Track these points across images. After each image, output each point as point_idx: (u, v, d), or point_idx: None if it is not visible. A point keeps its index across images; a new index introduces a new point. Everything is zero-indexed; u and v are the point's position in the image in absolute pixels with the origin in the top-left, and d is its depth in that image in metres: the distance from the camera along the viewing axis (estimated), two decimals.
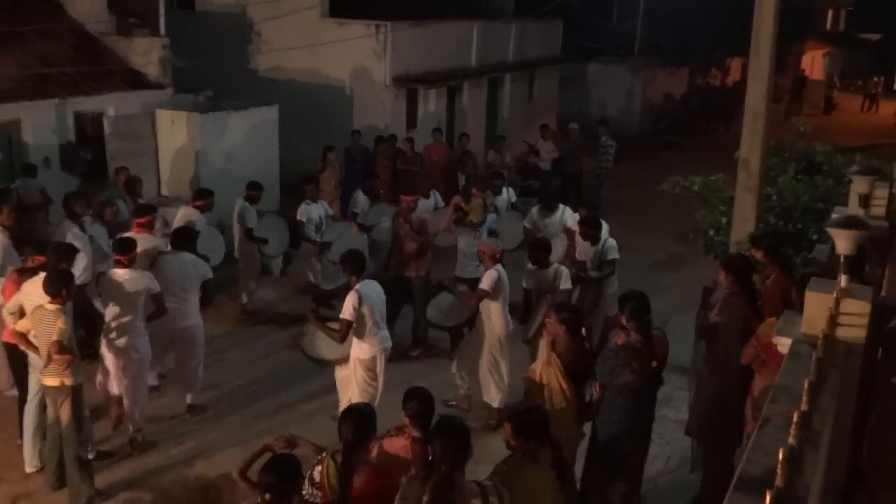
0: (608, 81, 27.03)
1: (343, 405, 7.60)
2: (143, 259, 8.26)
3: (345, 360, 7.74)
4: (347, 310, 7.43)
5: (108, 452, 7.83)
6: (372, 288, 7.65)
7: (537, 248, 8.67)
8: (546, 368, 6.06)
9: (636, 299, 5.94)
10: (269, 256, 11.48)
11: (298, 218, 11.01)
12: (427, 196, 11.80)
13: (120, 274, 7.63)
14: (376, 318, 7.60)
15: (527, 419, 4.95)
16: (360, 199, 11.64)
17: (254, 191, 11.09)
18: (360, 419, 4.79)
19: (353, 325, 7.43)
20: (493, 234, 10.44)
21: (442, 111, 19.14)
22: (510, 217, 11.06)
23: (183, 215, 10.24)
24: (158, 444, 8.04)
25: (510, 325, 8.43)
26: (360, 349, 7.64)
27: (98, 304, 8.29)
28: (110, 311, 7.62)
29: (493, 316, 8.27)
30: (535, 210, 10.76)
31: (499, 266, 8.24)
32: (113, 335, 7.62)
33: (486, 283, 8.20)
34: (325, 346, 7.69)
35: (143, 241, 8.48)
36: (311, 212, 11.03)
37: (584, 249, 9.43)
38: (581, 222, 9.53)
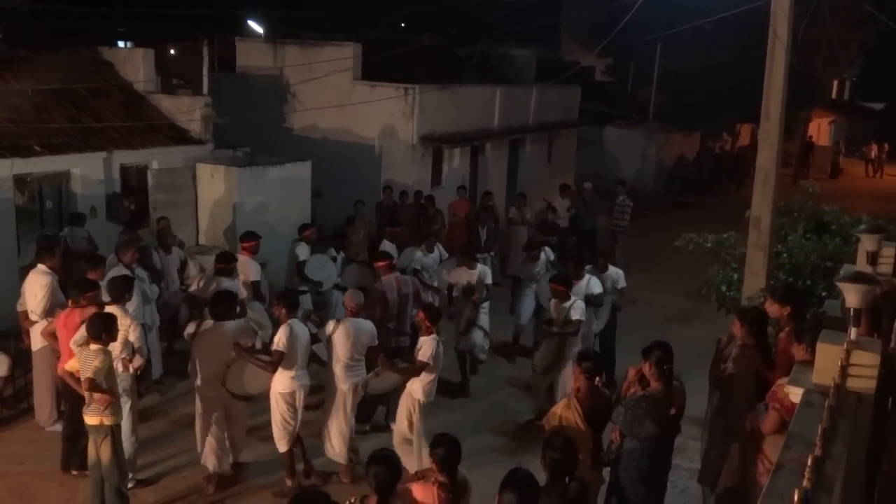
0: (623, 144, 27.23)
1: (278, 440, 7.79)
2: None
3: (266, 393, 7.76)
4: (280, 341, 7.51)
5: (146, 480, 7.85)
6: (301, 328, 7.77)
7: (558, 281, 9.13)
8: (566, 412, 6.05)
9: (661, 348, 5.95)
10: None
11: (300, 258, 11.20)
12: (430, 250, 11.93)
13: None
14: (301, 355, 7.71)
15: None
16: (387, 246, 11.75)
17: (307, 231, 11.38)
18: (390, 464, 4.78)
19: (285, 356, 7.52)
20: None
21: (465, 169, 19.33)
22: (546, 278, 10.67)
23: (242, 262, 10.14)
24: None
25: (432, 396, 8.01)
26: (280, 383, 7.69)
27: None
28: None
29: (420, 381, 7.85)
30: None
31: (436, 336, 7.81)
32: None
33: (425, 354, 7.71)
34: (249, 382, 7.67)
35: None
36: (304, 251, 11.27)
37: (555, 306, 9.27)
38: (552, 280, 9.51)
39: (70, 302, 7.96)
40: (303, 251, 11.22)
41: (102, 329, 6.79)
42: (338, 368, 7.92)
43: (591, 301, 9.85)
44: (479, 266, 10.84)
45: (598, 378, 6.36)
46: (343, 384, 7.94)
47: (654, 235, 17.99)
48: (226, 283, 9.21)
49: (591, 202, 17.28)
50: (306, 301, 10.68)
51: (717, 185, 28.79)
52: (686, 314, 13.64)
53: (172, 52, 22.02)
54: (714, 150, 31.99)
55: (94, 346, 6.74)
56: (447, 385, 10.42)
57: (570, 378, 8.64)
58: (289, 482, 7.91)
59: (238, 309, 8.83)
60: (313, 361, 8.52)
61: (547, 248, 12.18)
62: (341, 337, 7.84)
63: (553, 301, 9.32)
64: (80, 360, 6.80)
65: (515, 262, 15.46)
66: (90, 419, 6.83)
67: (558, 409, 6.23)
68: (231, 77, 18.77)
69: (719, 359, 6.87)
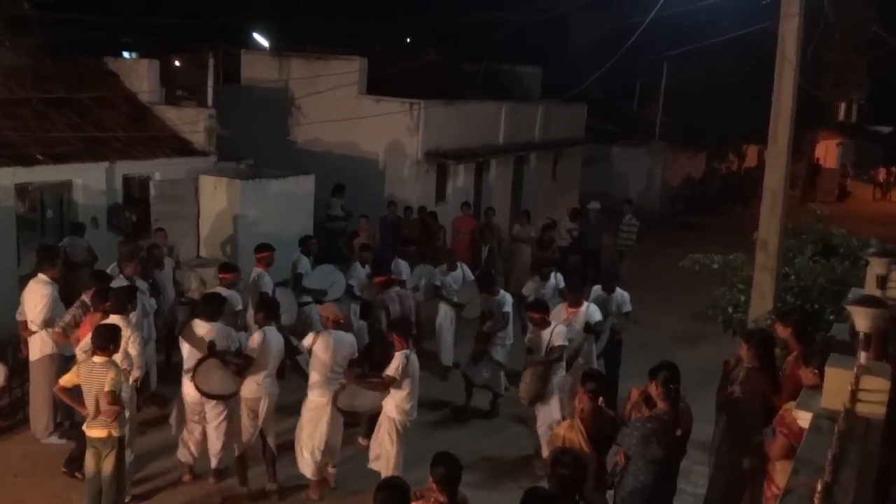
0: (629, 163, 27.29)
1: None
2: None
3: (235, 395, 7.83)
4: (252, 346, 7.61)
5: (142, 495, 7.82)
6: (274, 336, 7.83)
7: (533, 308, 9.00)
8: (569, 432, 6.01)
9: (668, 369, 5.93)
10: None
11: (298, 270, 11.22)
12: (453, 268, 11.87)
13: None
14: (271, 363, 7.75)
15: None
16: (401, 265, 11.76)
17: (308, 243, 11.44)
18: (398, 492, 4.79)
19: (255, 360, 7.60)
20: None
21: (470, 186, 19.36)
22: (555, 302, 10.38)
23: (256, 274, 10.35)
24: None
25: (413, 414, 7.93)
26: (247, 388, 7.75)
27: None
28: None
29: (393, 398, 7.82)
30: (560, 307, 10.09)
31: (406, 351, 7.77)
32: None
33: (391, 368, 7.66)
34: (221, 382, 7.71)
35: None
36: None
37: (535, 334, 9.03)
38: (528, 307, 9.29)
39: (92, 309, 8.06)
40: (303, 264, 11.23)
41: (109, 340, 6.80)
42: (316, 381, 7.89)
43: (591, 329, 9.68)
44: (502, 293, 10.67)
45: (601, 398, 6.33)
46: (321, 397, 7.90)
47: (660, 256, 17.98)
48: (227, 294, 9.26)
49: (596, 221, 17.28)
50: (313, 311, 10.69)
51: (723, 206, 28.81)
52: (692, 336, 13.59)
53: (177, 63, 22.08)
54: (720, 171, 32.03)
55: (99, 359, 6.73)
56: (452, 407, 10.42)
57: (555, 407, 8.61)
58: (242, 488, 8.00)
59: (239, 321, 8.86)
60: (297, 374, 8.52)
61: (558, 274, 11.82)
62: (321, 349, 7.82)
63: (532, 329, 9.03)
64: (86, 374, 6.76)
65: (518, 280, 15.48)
66: (97, 432, 6.82)
67: (561, 430, 6.20)
68: (236, 89, 18.84)
69: (726, 382, 6.85)
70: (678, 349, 12.61)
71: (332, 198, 16.01)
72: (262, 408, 7.82)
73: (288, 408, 8.43)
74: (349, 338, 8.07)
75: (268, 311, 7.95)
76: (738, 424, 6.35)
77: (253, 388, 7.76)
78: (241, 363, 7.64)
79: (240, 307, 9.71)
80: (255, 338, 7.73)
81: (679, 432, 5.89)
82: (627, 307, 10.68)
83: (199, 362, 7.60)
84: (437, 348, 11.80)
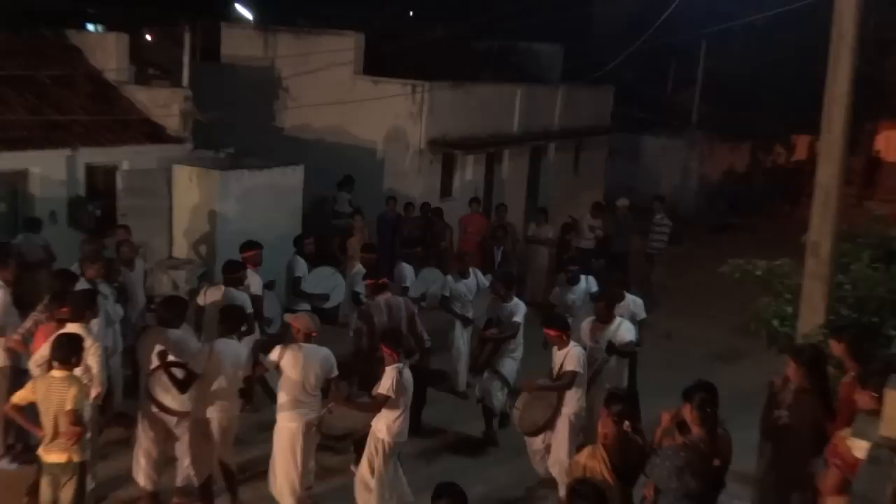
0: (662, 155, 27.29)
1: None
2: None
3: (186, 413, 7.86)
4: (196, 361, 7.59)
5: None
6: (231, 350, 7.77)
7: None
8: (591, 460, 5.99)
9: (704, 389, 5.90)
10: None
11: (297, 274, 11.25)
12: (465, 275, 11.71)
13: None
14: (225, 380, 7.69)
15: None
16: (406, 270, 11.72)
17: (304, 243, 11.53)
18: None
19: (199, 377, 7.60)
20: None
21: (480, 180, 19.38)
22: (586, 310, 10.32)
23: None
24: None
25: (404, 436, 7.94)
26: (197, 407, 7.77)
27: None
28: None
29: (385, 417, 7.82)
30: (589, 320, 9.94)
31: (399, 364, 7.81)
32: None
33: (384, 386, 7.66)
34: (167, 395, 7.78)
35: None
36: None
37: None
38: (543, 324, 9.03)
39: (46, 317, 8.02)
40: (299, 266, 11.25)
41: (71, 351, 6.79)
42: (285, 403, 7.81)
43: (614, 350, 9.22)
44: (515, 300, 10.34)
45: (627, 423, 6.31)
46: (291, 422, 7.82)
47: (696, 261, 17.97)
48: (235, 294, 9.40)
49: (624, 221, 17.20)
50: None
51: (769, 205, 28.75)
52: (731, 352, 13.57)
53: (149, 37, 22.18)
54: (766, 165, 31.99)
55: (58, 373, 6.71)
56: (467, 440, 10.37)
57: (565, 440, 8.56)
58: None
59: (245, 326, 8.88)
60: (266, 394, 8.50)
61: (590, 277, 11.70)
62: (289, 366, 7.73)
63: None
64: (44, 390, 6.72)
65: (533, 287, 15.47)
66: (55, 456, 6.76)
67: (582, 457, 6.18)
68: (215, 68, 18.87)
69: (772, 405, 6.82)
70: (716, 367, 12.60)
71: (340, 191, 16.06)
72: (217, 430, 7.81)
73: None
74: (323, 352, 7.94)
75: (228, 322, 7.95)
76: (786, 454, 6.33)
77: (199, 406, 7.76)
78: (178, 380, 7.63)
79: (250, 310, 9.72)
80: (202, 350, 7.72)
81: (717, 463, 5.86)
82: (642, 314, 10.49)
83: (153, 372, 7.71)
84: (451, 369, 11.73)
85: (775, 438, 6.53)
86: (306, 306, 11.09)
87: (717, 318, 14.87)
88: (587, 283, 11.56)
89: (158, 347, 7.73)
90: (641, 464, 6.03)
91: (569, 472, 6.23)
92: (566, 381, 8.54)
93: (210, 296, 9.61)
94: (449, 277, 11.71)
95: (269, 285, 10.95)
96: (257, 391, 8.58)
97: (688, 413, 5.91)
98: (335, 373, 7.97)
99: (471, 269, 11.84)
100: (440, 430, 10.56)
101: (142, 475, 8.14)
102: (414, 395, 9.58)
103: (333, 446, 8.84)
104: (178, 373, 7.67)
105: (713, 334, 14.48)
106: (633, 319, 10.11)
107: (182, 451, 8.10)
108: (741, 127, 27.16)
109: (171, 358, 7.68)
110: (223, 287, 9.68)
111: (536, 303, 13.69)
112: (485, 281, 11.84)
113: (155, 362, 7.75)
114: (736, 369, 12.73)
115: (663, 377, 10.32)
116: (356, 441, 8.52)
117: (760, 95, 24.98)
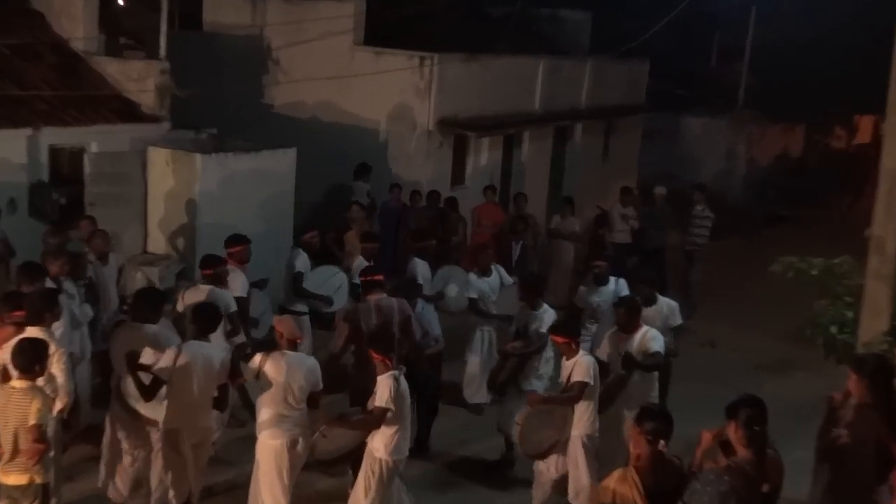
0: (703, 138, 27.22)
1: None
2: None
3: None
4: (161, 364, 7.60)
5: None
6: (201, 355, 7.74)
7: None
8: (621, 485, 5.98)
9: (751, 405, 5.88)
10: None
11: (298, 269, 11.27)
12: (487, 272, 11.67)
13: None
14: (194, 388, 7.66)
15: None
16: (419, 266, 11.70)
17: (307, 235, 11.53)
18: None
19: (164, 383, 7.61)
20: None
21: (496, 165, 19.37)
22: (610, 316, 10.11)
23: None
24: None
25: (405, 452, 7.98)
26: (167, 416, 7.80)
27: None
28: None
29: (381, 434, 7.86)
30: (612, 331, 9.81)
31: (394, 372, 7.87)
32: None
33: (381, 398, 7.71)
34: (140, 401, 7.83)
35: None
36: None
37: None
38: (551, 330, 9.16)
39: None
40: (301, 261, 11.25)
41: (34, 359, 6.79)
42: (267, 418, 7.82)
43: (633, 363, 8.84)
44: (545, 307, 10.12)
45: (662, 442, 6.29)
46: (274, 439, 7.85)
47: (742, 258, 17.92)
48: (220, 294, 9.41)
49: (661, 213, 17.12)
50: (305, 324, 10.79)
51: (826, 195, 28.68)
52: (782, 363, 13.58)
53: (121, 1, 22.20)
54: (823, 149, 31.90)
55: (19, 384, 6.72)
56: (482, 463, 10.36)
57: (583, 465, 8.52)
58: None
59: (229, 326, 8.91)
60: (245, 408, 8.52)
61: (620, 280, 11.45)
62: (271, 375, 7.75)
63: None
64: (2, 403, 6.71)
65: (556, 287, 15.41)
66: (15, 478, 6.76)
67: (612, 482, 6.16)
68: (196, 37, 18.94)
69: (830, 423, 6.80)
70: (765, 379, 12.60)
71: (356, 181, 16.09)
72: (186, 444, 7.81)
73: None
74: (309, 362, 7.97)
75: (199, 322, 7.97)
76: (846, 478, 6.32)
77: (169, 415, 7.80)
78: (144, 386, 7.67)
79: (233, 309, 9.74)
80: (168, 354, 7.69)
81: (766, 488, 5.84)
82: (677, 319, 10.30)
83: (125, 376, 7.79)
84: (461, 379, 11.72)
85: (833, 461, 6.52)
86: (304, 308, 11.14)
87: (766, 323, 14.88)
88: (616, 286, 11.39)
89: (128, 348, 7.77)
90: (679, 489, 6.01)
91: (595, 499, 6.21)
92: (574, 392, 8.46)
93: (189, 298, 9.47)
94: (472, 276, 11.63)
95: (258, 284, 10.97)
96: (235, 402, 8.56)
97: (733, 432, 5.89)
98: (320, 386, 7.98)
99: (493, 266, 11.82)
100: (447, 451, 10.56)
101: (110, 487, 8.26)
102: (423, 407, 9.64)
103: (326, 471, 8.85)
104: (146, 377, 7.69)
105: (762, 342, 14.48)
106: (666, 326, 9.91)
107: (156, 467, 8.12)
108: (795, 106, 27.10)
109: (143, 360, 7.72)
110: (206, 287, 9.60)
111: (560, 307, 13.64)
112: (509, 278, 11.81)
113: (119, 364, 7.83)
114: (788, 382, 12.74)
115: (705, 391, 10.33)
116: (353, 461, 8.49)
117: (817, 70, 24.87)
